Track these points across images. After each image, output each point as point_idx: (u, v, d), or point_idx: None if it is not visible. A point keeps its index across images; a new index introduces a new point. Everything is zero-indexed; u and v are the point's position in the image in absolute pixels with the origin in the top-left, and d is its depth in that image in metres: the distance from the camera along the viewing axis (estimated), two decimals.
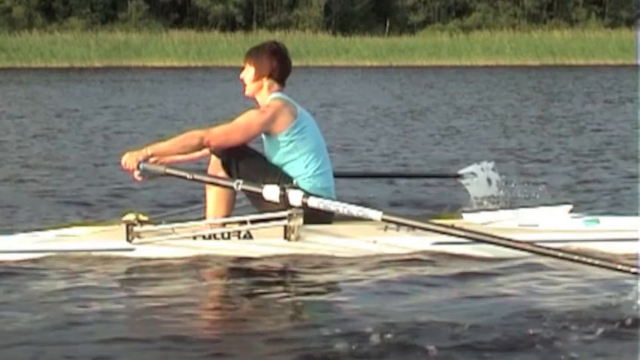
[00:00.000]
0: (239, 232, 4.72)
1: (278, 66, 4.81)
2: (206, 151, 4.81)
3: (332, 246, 4.72)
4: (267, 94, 4.83)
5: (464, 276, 4.43)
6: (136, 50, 39.10)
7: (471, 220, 4.83)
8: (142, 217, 4.80)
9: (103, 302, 4.03)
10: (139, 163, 4.66)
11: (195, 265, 4.65)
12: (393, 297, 4.14)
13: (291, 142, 4.75)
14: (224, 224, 4.77)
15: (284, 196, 4.43)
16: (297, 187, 4.52)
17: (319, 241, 4.71)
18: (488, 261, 4.63)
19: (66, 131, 12.84)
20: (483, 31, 44.94)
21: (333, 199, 4.62)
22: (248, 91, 4.87)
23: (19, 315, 3.82)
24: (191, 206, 5.48)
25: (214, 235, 4.73)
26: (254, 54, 4.85)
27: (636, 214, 5.11)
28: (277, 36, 42.26)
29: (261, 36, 42.73)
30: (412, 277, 4.45)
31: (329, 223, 4.75)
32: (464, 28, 46.45)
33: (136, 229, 4.72)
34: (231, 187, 4.58)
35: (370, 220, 4.38)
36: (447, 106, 17.89)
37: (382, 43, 41.45)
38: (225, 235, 4.73)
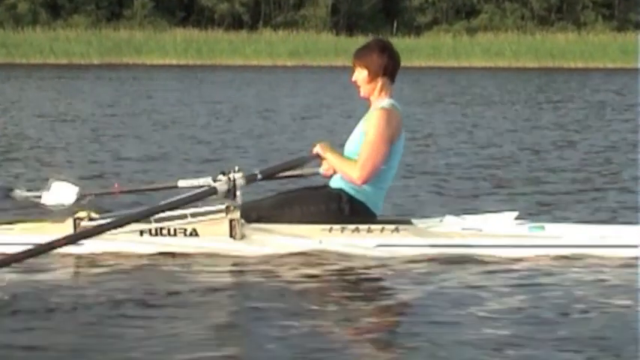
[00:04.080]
0: (185, 229, 4.75)
1: (390, 63, 4.78)
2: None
3: (277, 245, 4.74)
4: (382, 96, 4.79)
5: (408, 277, 4.47)
6: (136, 48, 38.94)
7: (417, 223, 4.87)
8: (94, 215, 4.84)
9: (41, 297, 4.09)
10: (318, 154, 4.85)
11: (139, 261, 4.69)
12: (337, 298, 4.18)
13: None
14: (168, 219, 4.73)
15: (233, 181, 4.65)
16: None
17: (265, 240, 4.75)
18: (435, 262, 4.68)
19: None
20: (488, 33, 44.75)
21: (374, 213, 4.78)
22: (363, 93, 4.82)
23: None
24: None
25: (160, 232, 4.75)
26: (363, 54, 4.80)
27: (581, 222, 5.16)
28: (282, 35, 42.25)
29: (265, 35, 42.70)
30: (356, 279, 4.50)
31: (373, 222, 4.75)
32: (470, 29, 46.32)
33: (83, 223, 4.75)
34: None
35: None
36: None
37: None
38: (172, 232, 4.76)
